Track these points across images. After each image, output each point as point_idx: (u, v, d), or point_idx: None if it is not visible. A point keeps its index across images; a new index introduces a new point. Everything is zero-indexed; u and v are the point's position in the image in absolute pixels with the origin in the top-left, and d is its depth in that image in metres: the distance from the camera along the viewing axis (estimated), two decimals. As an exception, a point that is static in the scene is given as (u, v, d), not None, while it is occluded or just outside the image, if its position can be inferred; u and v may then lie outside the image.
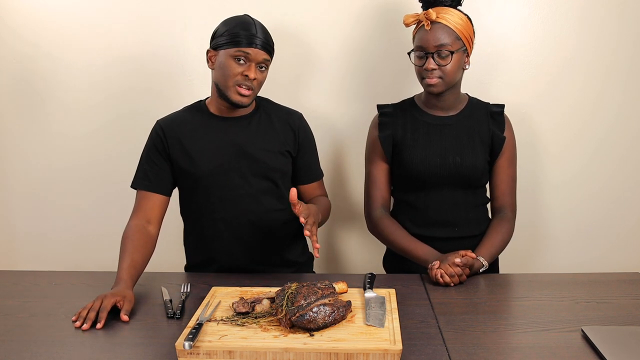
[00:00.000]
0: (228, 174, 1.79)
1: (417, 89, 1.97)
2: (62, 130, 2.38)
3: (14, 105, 2.38)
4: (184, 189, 1.86)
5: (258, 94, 1.85)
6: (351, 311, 1.41)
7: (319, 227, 1.81)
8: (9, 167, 2.43)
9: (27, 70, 2.34)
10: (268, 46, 1.74)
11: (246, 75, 1.70)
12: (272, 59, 1.78)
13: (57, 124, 2.38)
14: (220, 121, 1.81)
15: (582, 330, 1.36)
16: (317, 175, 1.95)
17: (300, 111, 1.92)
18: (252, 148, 1.79)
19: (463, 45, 1.83)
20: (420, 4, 1.88)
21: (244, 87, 1.72)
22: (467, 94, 1.98)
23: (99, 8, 2.29)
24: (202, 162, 1.78)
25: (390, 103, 1.99)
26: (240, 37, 1.70)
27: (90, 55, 2.32)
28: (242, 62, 1.71)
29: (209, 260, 1.86)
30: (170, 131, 1.80)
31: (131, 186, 1.80)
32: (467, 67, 1.88)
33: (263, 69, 1.75)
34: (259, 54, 1.71)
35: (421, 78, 1.85)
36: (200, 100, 1.89)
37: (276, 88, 2.09)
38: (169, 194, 1.82)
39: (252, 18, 1.76)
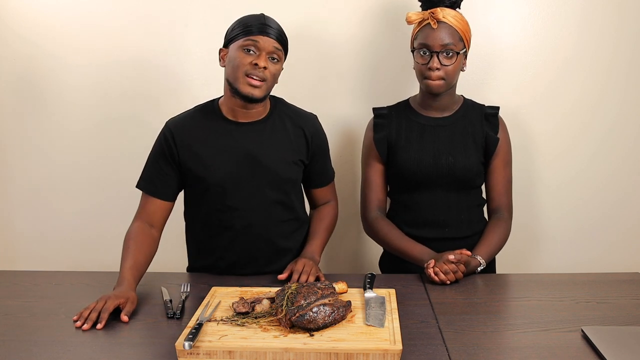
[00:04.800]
0: (240, 185, 1.74)
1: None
2: (62, 130, 2.38)
3: (15, 105, 2.37)
4: (191, 194, 1.82)
5: (272, 94, 1.81)
6: (351, 311, 1.42)
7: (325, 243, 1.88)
8: (9, 167, 2.42)
9: (28, 69, 2.34)
10: (280, 37, 1.69)
11: (256, 64, 1.64)
12: (285, 54, 1.74)
13: (58, 124, 2.38)
14: (233, 126, 1.75)
15: (582, 330, 1.36)
16: (329, 178, 1.93)
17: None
18: (266, 158, 1.74)
19: (464, 47, 1.84)
20: (420, 4, 1.89)
21: (254, 77, 1.65)
22: (462, 95, 1.98)
23: (100, 8, 2.28)
24: (214, 170, 1.73)
25: (385, 105, 2.00)
26: (250, 27, 1.66)
27: (91, 55, 2.31)
28: (251, 52, 1.66)
29: (211, 266, 1.83)
30: (179, 135, 1.74)
31: (136, 186, 1.79)
32: (464, 68, 1.89)
33: (275, 60, 1.69)
34: (269, 42, 1.66)
35: (422, 77, 1.85)
36: (213, 100, 1.81)
37: (278, 87, 2.09)
38: (173, 200, 1.79)
39: (265, 15, 1.72)
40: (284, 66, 1.76)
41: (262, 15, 1.71)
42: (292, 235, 1.85)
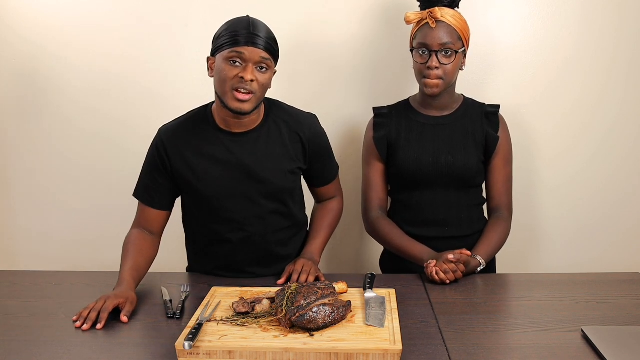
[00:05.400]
0: (235, 197, 1.71)
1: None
2: (63, 130, 2.38)
3: (15, 105, 2.37)
4: (187, 203, 1.80)
5: (268, 96, 1.75)
6: (351, 311, 1.42)
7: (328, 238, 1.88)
8: (10, 167, 2.42)
9: (28, 69, 2.34)
10: (268, 44, 1.61)
11: (242, 77, 1.57)
12: (275, 60, 1.66)
13: (59, 124, 2.37)
14: (226, 137, 1.70)
15: (582, 330, 1.36)
16: (332, 176, 1.90)
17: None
18: (260, 169, 1.70)
19: (463, 46, 1.84)
20: (419, 3, 1.89)
21: (242, 90, 1.58)
22: (462, 94, 1.98)
23: (100, 8, 2.28)
24: (207, 183, 1.70)
25: (385, 105, 2.00)
26: (234, 37, 1.58)
27: (91, 55, 2.31)
28: (237, 64, 1.58)
29: (210, 273, 1.81)
30: (171, 145, 1.70)
31: (133, 195, 1.78)
32: (463, 67, 1.89)
33: (264, 69, 1.61)
34: (255, 52, 1.58)
35: (421, 77, 1.85)
36: (207, 106, 1.76)
37: (279, 88, 2.09)
38: (170, 208, 1.78)
39: (251, 18, 1.63)
40: (283, 67, 1.74)
41: (248, 22, 1.61)
42: (291, 241, 1.84)
